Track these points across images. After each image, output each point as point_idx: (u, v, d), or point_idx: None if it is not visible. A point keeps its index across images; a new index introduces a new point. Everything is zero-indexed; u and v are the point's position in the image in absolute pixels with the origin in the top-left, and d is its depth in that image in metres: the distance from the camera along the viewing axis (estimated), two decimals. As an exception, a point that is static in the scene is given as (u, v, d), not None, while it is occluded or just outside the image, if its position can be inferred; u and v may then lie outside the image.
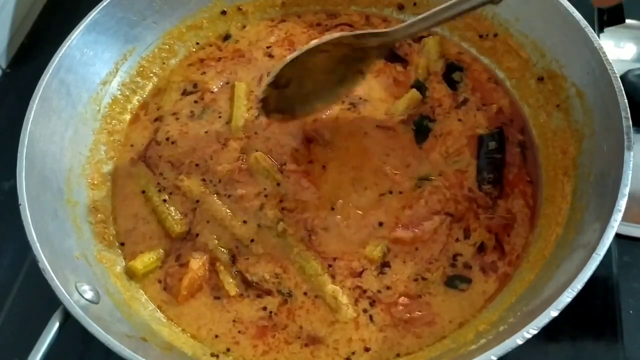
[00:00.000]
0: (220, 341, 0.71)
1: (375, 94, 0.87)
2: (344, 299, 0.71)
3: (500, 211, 0.76)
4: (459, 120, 0.84)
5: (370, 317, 0.71)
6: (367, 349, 0.69)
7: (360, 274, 0.73)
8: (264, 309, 0.72)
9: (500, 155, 0.80)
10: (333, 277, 0.73)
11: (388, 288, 0.72)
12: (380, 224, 0.76)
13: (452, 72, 0.88)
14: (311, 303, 0.72)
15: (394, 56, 0.90)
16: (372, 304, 0.71)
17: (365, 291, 0.72)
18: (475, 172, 0.79)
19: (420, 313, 0.70)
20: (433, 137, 0.82)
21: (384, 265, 0.73)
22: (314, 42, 0.71)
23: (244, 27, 0.96)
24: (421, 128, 0.83)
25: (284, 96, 0.76)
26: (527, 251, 0.73)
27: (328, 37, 0.72)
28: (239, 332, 0.71)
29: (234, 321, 0.72)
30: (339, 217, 0.77)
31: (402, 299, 0.71)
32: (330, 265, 0.74)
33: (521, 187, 0.78)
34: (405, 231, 0.75)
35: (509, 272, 0.72)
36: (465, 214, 0.76)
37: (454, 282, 0.72)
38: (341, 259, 0.74)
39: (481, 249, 0.74)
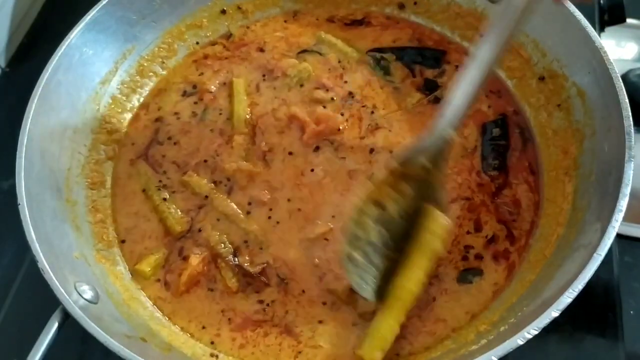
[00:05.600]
0: (206, 332, 0.71)
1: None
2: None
3: (505, 197, 0.76)
4: None
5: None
6: None
7: None
8: (260, 302, 0.72)
9: (505, 141, 0.81)
10: None
11: None
12: None
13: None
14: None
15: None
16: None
17: None
18: (480, 158, 0.80)
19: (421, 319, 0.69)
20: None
21: None
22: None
23: (248, 27, 0.96)
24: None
25: None
26: (534, 237, 0.73)
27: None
28: (229, 319, 0.71)
29: (222, 311, 0.72)
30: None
31: None
32: None
33: (524, 174, 0.78)
34: None
35: (517, 260, 0.72)
36: (478, 207, 0.76)
37: (467, 277, 0.72)
38: None
39: (492, 240, 0.74)
